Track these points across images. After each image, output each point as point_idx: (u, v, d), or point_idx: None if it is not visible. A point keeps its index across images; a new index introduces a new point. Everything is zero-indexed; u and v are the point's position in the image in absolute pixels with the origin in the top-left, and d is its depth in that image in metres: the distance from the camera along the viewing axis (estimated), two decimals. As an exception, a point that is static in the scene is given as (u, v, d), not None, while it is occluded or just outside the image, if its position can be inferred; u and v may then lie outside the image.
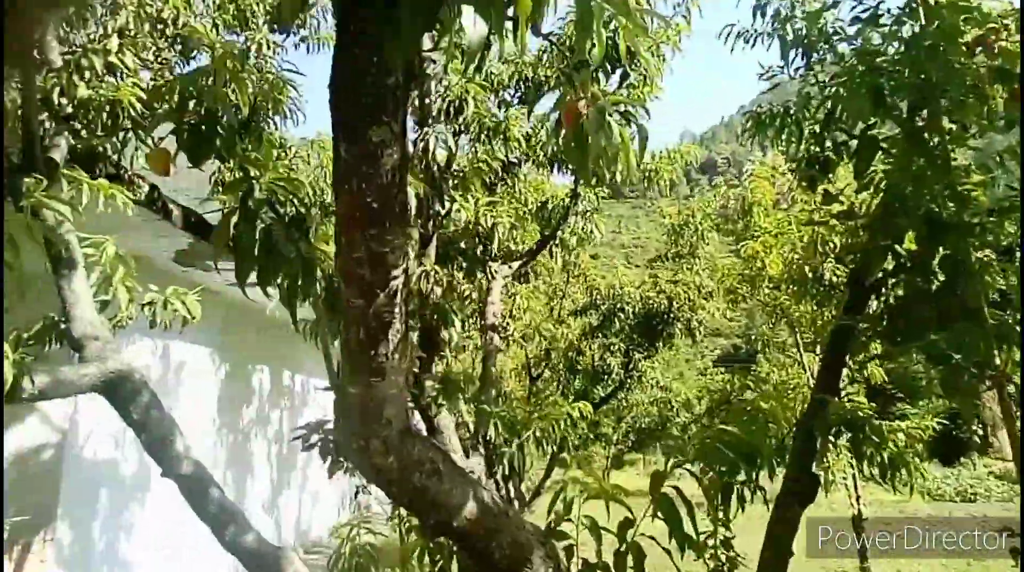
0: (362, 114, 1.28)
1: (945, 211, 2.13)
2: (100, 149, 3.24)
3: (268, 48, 5.70)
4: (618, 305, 10.83)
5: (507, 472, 4.51)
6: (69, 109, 3.13)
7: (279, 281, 1.57)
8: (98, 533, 5.49)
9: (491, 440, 4.50)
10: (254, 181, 1.48)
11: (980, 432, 25.91)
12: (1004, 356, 1.82)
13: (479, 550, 1.52)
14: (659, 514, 1.99)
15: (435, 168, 3.84)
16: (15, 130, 2.70)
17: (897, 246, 2.43)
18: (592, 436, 24.15)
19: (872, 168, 2.64)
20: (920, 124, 2.28)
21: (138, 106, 3.14)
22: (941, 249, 2.18)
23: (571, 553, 1.88)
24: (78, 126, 3.05)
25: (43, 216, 2.66)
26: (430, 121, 3.85)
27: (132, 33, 3.44)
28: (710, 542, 2.27)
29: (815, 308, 7.10)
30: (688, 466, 2.24)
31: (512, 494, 9.71)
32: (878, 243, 2.39)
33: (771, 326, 9.33)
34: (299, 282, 1.54)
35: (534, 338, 8.01)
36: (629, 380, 11.64)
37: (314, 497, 9.69)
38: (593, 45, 1.38)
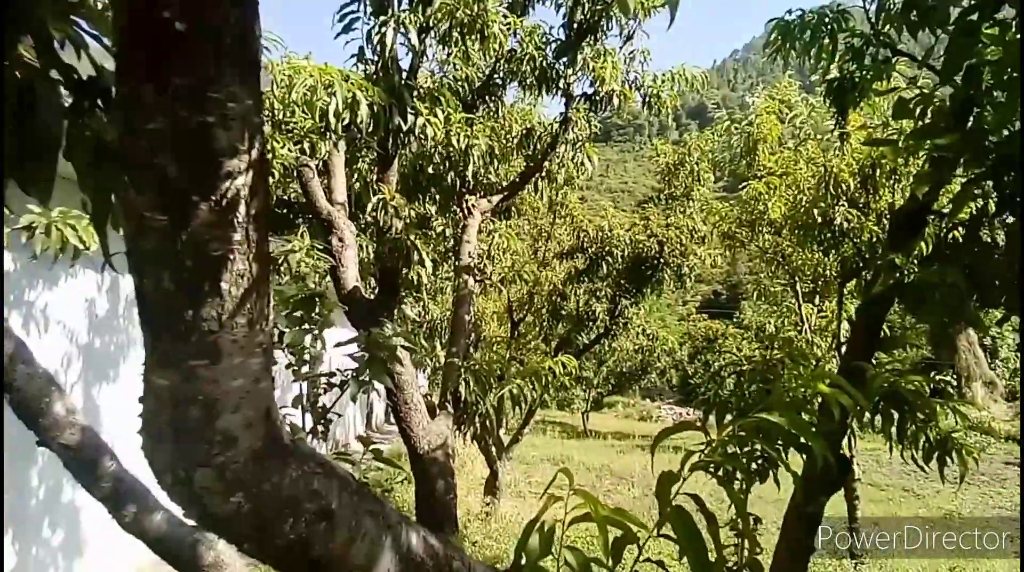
0: None
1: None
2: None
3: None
4: (607, 249, 10.19)
5: (478, 432, 3.99)
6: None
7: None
8: (38, 480, 4.90)
9: (462, 397, 3.95)
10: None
11: (954, 382, 26.25)
12: None
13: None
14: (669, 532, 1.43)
15: (395, 71, 3.12)
16: None
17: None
18: (573, 380, 24.00)
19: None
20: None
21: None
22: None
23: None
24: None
25: None
26: (389, 10, 3.09)
27: None
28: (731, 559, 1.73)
29: (820, 256, 6.54)
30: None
31: (489, 443, 9.30)
32: (971, 172, 1.77)
33: (770, 274, 8.79)
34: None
35: (515, 282, 7.37)
36: (614, 326, 11.12)
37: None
38: None
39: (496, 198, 5.00)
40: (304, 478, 0.85)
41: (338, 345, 1.58)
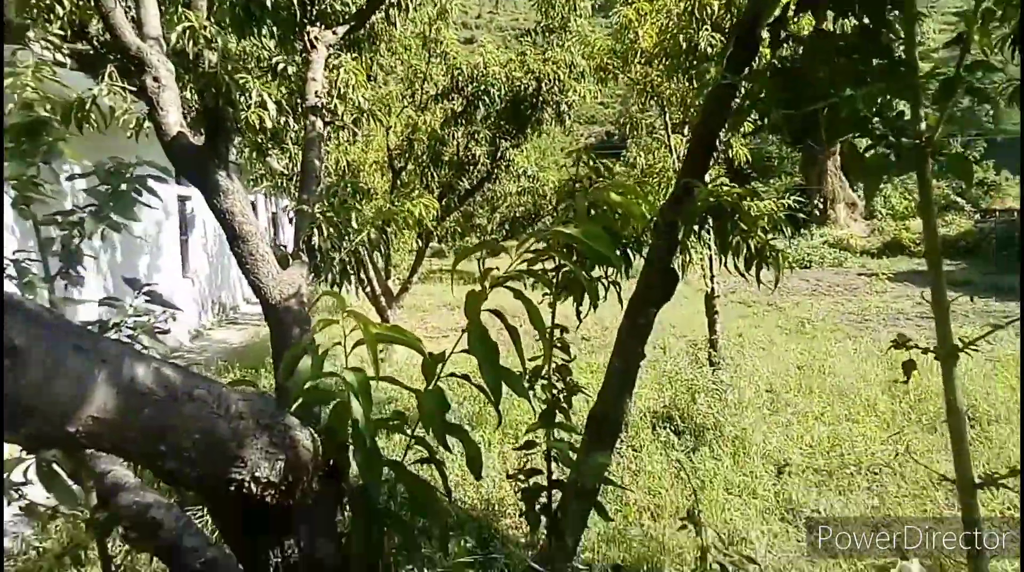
0: None
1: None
2: None
3: None
4: (483, 88, 9.79)
5: (338, 279, 3.92)
6: None
7: None
8: None
9: (317, 246, 3.82)
10: None
11: (820, 206, 28.49)
12: (929, 119, 1.30)
13: (136, 453, 0.91)
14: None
15: None
16: None
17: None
18: (466, 227, 24.19)
19: None
20: None
21: None
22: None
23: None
24: None
25: None
26: None
27: None
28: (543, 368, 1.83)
29: (687, 84, 6.56)
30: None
31: (377, 294, 9.33)
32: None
33: (640, 107, 8.80)
34: None
35: (368, 122, 6.91)
36: (496, 170, 11.01)
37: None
38: None
39: (342, 29, 4.55)
40: (-35, 314, 0.75)
41: (70, 178, 1.40)
